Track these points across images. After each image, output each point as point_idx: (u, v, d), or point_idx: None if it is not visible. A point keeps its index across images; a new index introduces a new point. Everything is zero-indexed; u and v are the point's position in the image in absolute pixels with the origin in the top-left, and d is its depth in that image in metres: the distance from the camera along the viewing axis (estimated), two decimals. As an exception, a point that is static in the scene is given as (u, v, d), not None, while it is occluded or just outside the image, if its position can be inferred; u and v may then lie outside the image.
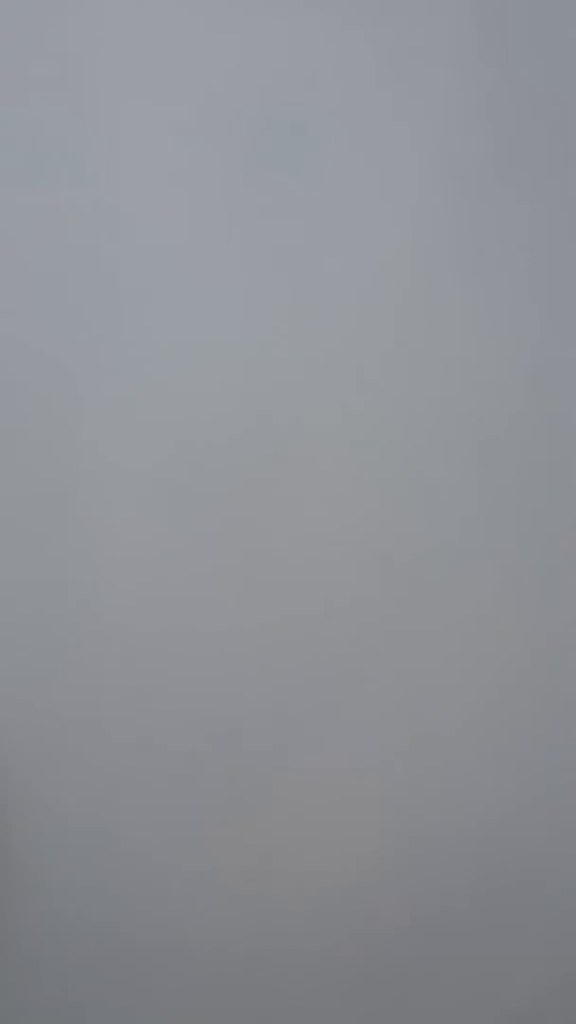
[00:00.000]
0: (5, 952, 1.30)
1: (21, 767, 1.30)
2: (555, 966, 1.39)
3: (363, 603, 1.35)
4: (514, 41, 1.40)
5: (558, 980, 1.38)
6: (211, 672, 1.33)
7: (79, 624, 1.31)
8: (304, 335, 1.36)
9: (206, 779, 1.33)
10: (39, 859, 1.31)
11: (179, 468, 1.33)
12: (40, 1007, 1.31)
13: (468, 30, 1.38)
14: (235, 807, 1.33)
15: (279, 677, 1.34)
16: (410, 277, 1.38)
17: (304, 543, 1.35)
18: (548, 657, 1.39)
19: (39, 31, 1.31)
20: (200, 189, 1.34)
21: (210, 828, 1.33)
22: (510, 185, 1.40)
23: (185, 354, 1.33)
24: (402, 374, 1.37)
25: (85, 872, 1.31)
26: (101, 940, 1.32)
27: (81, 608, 1.31)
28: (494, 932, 1.38)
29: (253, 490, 1.34)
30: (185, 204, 1.34)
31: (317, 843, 1.35)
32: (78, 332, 1.32)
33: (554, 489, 1.39)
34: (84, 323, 1.32)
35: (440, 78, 1.38)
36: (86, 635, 1.31)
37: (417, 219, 1.37)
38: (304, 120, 1.35)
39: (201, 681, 1.33)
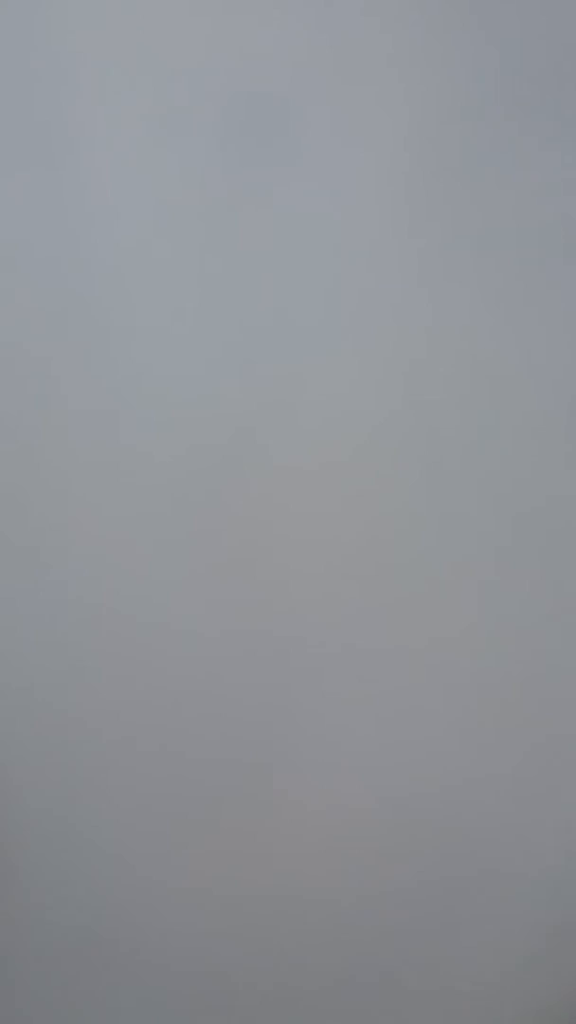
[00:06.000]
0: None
1: (12, 765, 1.31)
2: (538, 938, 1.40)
3: (359, 597, 1.36)
4: (513, 18, 1.39)
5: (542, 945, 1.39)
6: (206, 668, 1.34)
7: (72, 620, 1.32)
8: (292, 327, 1.35)
9: (200, 774, 1.33)
10: (29, 859, 1.31)
11: (170, 470, 1.33)
12: (29, 1006, 1.32)
13: (461, 10, 1.38)
14: (227, 801, 1.34)
15: (274, 674, 1.35)
16: (407, 263, 1.37)
17: (300, 540, 1.35)
18: (546, 650, 1.39)
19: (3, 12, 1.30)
20: (183, 172, 1.34)
21: (203, 822, 1.34)
22: (504, 164, 1.39)
23: (167, 347, 1.33)
24: (400, 370, 1.37)
25: (77, 870, 1.32)
26: (95, 938, 1.33)
27: (75, 605, 1.32)
28: (493, 925, 1.39)
29: (248, 488, 1.34)
30: (165, 188, 1.33)
31: (311, 836, 1.36)
32: (60, 328, 1.31)
33: (556, 486, 1.39)
34: (67, 320, 1.32)
35: (432, 50, 1.37)
36: (78, 631, 1.32)
37: (409, 199, 1.37)
38: (286, 96, 1.35)
39: (196, 677, 1.34)
